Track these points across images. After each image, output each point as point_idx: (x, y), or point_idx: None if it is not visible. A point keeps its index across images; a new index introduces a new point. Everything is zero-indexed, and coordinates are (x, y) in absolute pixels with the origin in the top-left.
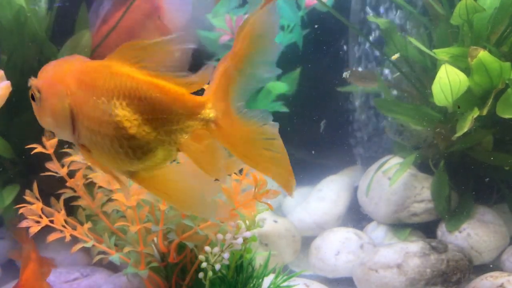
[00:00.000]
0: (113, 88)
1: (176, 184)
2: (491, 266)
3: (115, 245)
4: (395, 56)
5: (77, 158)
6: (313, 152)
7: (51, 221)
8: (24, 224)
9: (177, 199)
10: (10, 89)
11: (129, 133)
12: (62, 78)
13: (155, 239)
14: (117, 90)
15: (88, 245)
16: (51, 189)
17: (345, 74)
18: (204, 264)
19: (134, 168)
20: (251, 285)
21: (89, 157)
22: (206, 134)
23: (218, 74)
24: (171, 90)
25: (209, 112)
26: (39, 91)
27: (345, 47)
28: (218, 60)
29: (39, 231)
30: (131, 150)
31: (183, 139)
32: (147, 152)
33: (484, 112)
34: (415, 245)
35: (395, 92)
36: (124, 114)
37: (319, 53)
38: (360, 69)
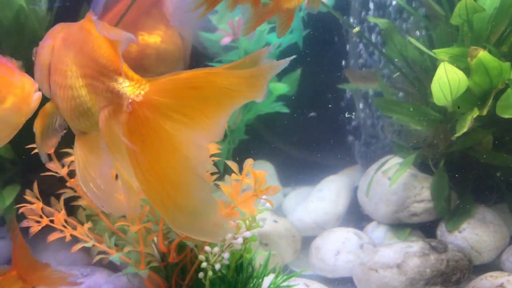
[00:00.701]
0: (71, 41)
1: (92, 160)
2: (495, 263)
3: (115, 245)
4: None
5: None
6: (313, 152)
7: (51, 221)
8: (24, 224)
9: (85, 178)
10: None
11: (68, 83)
12: (54, 36)
13: (155, 239)
14: (72, 43)
15: (88, 245)
16: (51, 189)
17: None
18: (204, 264)
19: (77, 125)
20: (251, 285)
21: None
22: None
23: (185, 75)
24: (105, 51)
25: (129, 89)
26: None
27: (346, 47)
28: (219, 61)
29: (39, 231)
30: (73, 102)
31: (103, 104)
32: (80, 106)
33: (484, 112)
34: (415, 245)
35: (401, 94)
36: (70, 63)
37: (319, 54)
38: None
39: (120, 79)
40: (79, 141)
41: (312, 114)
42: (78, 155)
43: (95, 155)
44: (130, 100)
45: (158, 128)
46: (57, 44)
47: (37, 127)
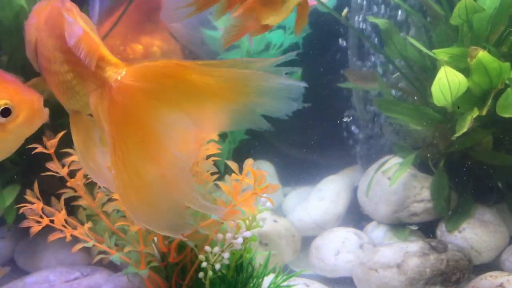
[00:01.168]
0: (54, 25)
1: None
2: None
3: (116, 244)
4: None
5: (77, 158)
6: (313, 152)
7: (52, 221)
8: (25, 224)
9: (84, 156)
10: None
11: (53, 68)
12: (38, 13)
13: (155, 238)
14: (53, 28)
15: (89, 245)
16: (51, 189)
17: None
18: (204, 264)
19: (68, 106)
20: (251, 284)
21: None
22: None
23: (159, 63)
24: (88, 38)
25: (109, 74)
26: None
27: (345, 47)
28: (221, 59)
29: (40, 230)
30: (61, 86)
31: (91, 88)
32: (67, 90)
33: (484, 112)
34: (414, 245)
35: (400, 94)
36: (52, 49)
37: (319, 54)
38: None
39: (103, 64)
40: (73, 121)
41: (306, 104)
42: (74, 134)
43: (90, 134)
44: (110, 85)
45: (134, 113)
46: (40, 24)
47: None
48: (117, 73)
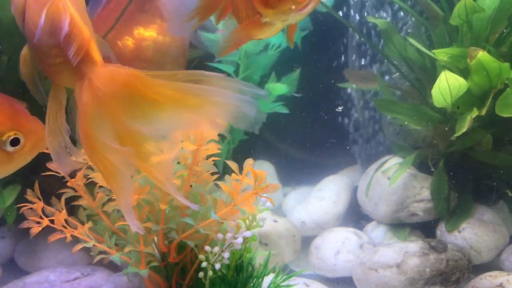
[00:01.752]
0: (41, 7)
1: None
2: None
3: (116, 244)
4: None
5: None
6: (313, 152)
7: (52, 222)
8: (25, 225)
9: (52, 129)
10: None
11: (39, 48)
12: None
13: (155, 238)
14: (39, 12)
15: (89, 245)
16: (52, 189)
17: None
18: (204, 264)
19: (51, 79)
20: (251, 284)
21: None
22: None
23: (121, 71)
24: (79, 32)
25: (87, 69)
26: None
27: (343, 47)
28: (219, 61)
29: (40, 230)
30: (45, 65)
31: (75, 77)
32: (52, 71)
33: (483, 112)
34: (414, 245)
35: (400, 93)
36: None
37: (319, 54)
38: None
39: (86, 60)
40: (53, 91)
41: (297, 95)
42: (49, 101)
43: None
44: (86, 82)
45: (98, 114)
46: (30, 2)
47: (25, 76)
48: (93, 72)
